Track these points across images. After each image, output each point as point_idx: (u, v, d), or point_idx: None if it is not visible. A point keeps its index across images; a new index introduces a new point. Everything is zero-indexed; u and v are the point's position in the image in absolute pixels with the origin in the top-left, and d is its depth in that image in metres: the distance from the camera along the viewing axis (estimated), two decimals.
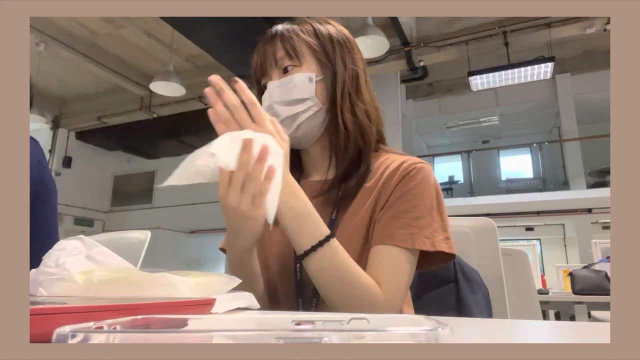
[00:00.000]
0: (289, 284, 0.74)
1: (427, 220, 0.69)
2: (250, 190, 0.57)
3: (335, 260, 0.63)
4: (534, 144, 10.08)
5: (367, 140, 0.77)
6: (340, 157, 0.76)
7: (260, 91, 0.80)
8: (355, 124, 0.76)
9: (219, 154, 0.57)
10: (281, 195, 0.59)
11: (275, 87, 0.75)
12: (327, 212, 0.76)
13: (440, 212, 0.71)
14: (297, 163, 0.85)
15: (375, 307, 0.63)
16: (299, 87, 0.74)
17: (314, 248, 0.62)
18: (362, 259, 0.70)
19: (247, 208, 0.58)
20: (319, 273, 0.63)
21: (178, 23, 5.36)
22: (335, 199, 0.76)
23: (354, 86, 0.78)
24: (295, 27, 0.78)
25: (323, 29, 0.79)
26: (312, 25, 0.79)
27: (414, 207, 0.70)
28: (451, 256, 0.70)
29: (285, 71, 0.76)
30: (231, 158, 0.57)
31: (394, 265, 0.67)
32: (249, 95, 0.61)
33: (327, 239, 0.63)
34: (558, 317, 3.40)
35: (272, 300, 0.76)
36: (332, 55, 0.77)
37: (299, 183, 0.82)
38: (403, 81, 7.74)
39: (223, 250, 0.83)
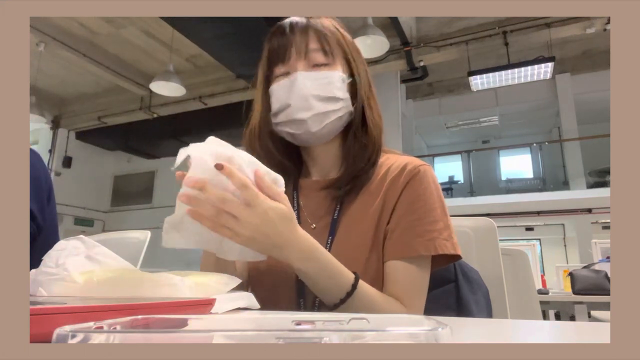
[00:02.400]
0: (288, 285, 0.73)
1: (444, 222, 0.70)
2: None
3: (363, 300, 0.63)
4: (534, 144, 10.07)
5: (382, 139, 0.78)
6: (358, 158, 0.75)
7: (267, 79, 0.77)
8: (376, 125, 0.77)
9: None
10: (301, 259, 0.59)
11: (307, 78, 0.72)
12: (330, 211, 0.76)
13: (447, 213, 0.72)
14: (298, 162, 0.84)
15: None
16: (333, 86, 0.72)
17: (342, 301, 0.62)
18: (369, 263, 0.70)
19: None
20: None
21: (178, 23, 5.36)
22: (337, 197, 0.76)
23: (369, 87, 0.79)
24: (325, 22, 0.76)
25: (340, 27, 0.79)
26: (331, 23, 0.78)
27: (428, 212, 0.70)
28: (457, 257, 0.71)
29: (315, 67, 0.73)
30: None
31: (416, 278, 0.68)
32: (237, 180, 0.54)
33: (354, 286, 0.62)
34: (558, 317, 3.40)
35: (272, 302, 0.75)
36: (355, 56, 0.77)
37: (298, 182, 0.82)
38: (403, 81, 7.73)
39: None
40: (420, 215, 0.70)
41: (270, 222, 0.55)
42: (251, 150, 0.79)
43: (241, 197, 0.54)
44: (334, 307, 0.62)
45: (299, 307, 0.72)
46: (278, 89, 0.74)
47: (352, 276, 0.62)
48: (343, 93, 0.73)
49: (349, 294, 0.61)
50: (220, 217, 0.54)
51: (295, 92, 0.71)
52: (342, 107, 0.73)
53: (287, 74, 0.74)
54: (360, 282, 0.63)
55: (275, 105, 0.74)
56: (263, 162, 0.59)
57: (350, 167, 0.76)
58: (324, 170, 0.81)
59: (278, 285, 0.75)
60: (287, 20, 0.77)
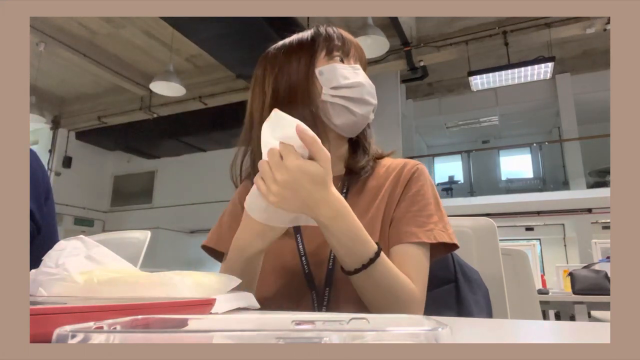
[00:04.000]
0: (297, 279, 0.74)
1: (438, 215, 0.75)
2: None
3: (384, 271, 0.64)
4: (534, 144, 10.07)
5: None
6: (368, 156, 0.81)
7: (313, 51, 0.78)
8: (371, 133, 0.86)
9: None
10: (331, 217, 0.61)
11: (367, 77, 0.79)
12: None
13: (442, 208, 0.77)
14: None
15: (413, 304, 0.66)
16: (374, 93, 0.80)
17: (365, 266, 0.63)
18: None
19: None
20: (368, 286, 0.65)
21: (178, 23, 5.36)
22: (342, 193, 0.78)
23: None
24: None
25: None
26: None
27: (426, 206, 0.75)
28: (454, 247, 0.74)
29: None
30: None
31: (420, 261, 0.71)
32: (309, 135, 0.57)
33: (377, 254, 0.64)
34: (558, 317, 3.40)
35: (280, 299, 0.76)
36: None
37: None
38: (403, 81, 7.74)
39: (205, 248, 0.84)
40: (419, 207, 0.75)
41: (298, 181, 0.57)
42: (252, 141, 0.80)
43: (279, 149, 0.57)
44: (354, 272, 0.64)
45: (312, 300, 0.73)
46: (342, 68, 0.77)
47: (375, 245, 0.64)
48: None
49: (372, 260, 0.63)
50: (261, 165, 0.58)
51: (364, 78, 0.78)
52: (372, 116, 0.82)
53: (345, 63, 0.79)
54: (384, 256, 0.65)
55: (341, 80, 0.76)
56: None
57: (361, 162, 0.80)
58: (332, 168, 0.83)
59: (284, 281, 0.76)
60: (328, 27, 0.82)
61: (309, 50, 0.78)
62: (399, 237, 0.73)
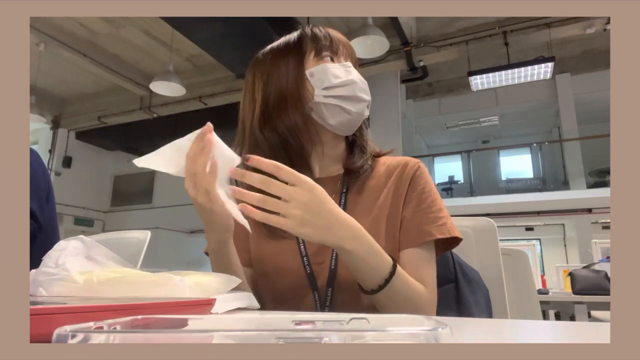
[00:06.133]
0: (299, 280, 0.74)
1: (445, 211, 0.75)
2: (202, 184, 0.57)
3: (402, 282, 0.64)
4: (534, 144, 10.06)
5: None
6: (365, 154, 0.81)
7: (301, 54, 0.77)
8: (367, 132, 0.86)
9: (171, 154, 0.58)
10: (352, 237, 0.58)
11: (358, 74, 0.78)
12: None
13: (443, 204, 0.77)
14: (299, 162, 0.85)
15: (427, 306, 0.66)
16: (367, 89, 0.79)
17: (387, 281, 0.62)
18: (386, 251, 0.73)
19: (203, 200, 0.58)
20: (390, 300, 0.64)
21: (178, 23, 5.36)
22: (342, 192, 0.78)
23: None
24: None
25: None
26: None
27: (433, 202, 0.75)
28: (456, 243, 0.74)
29: None
30: (174, 163, 0.58)
31: (430, 261, 0.71)
32: (269, 165, 0.54)
33: (394, 269, 0.63)
34: (558, 317, 3.40)
35: (282, 300, 0.75)
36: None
37: None
38: (403, 81, 7.73)
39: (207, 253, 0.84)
40: (428, 204, 0.74)
41: (318, 198, 0.55)
42: (254, 147, 0.78)
43: (281, 179, 0.54)
44: (378, 289, 0.62)
45: (314, 300, 0.73)
46: (333, 67, 0.76)
47: (389, 257, 0.64)
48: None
49: (392, 273, 0.62)
50: (266, 203, 0.54)
51: (356, 76, 0.77)
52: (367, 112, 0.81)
53: (334, 62, 0.78)
54: (399, 268, 0.64)
55: (332, 80, 0.75)
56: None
57: (359, 161, 0.80)
58: (328, 168, 0.82)
59: (286, 282, 0.76)
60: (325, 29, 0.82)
61: (296, 53, 0.77)
62: (411, 239, 0.72)
